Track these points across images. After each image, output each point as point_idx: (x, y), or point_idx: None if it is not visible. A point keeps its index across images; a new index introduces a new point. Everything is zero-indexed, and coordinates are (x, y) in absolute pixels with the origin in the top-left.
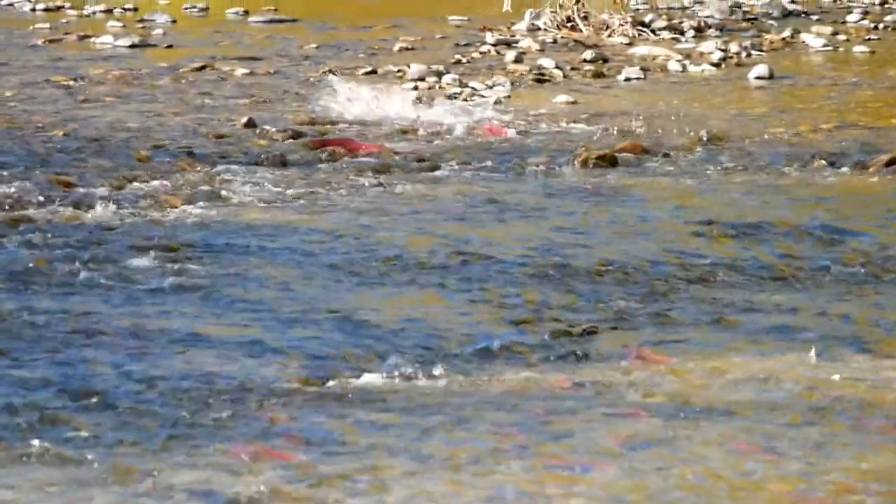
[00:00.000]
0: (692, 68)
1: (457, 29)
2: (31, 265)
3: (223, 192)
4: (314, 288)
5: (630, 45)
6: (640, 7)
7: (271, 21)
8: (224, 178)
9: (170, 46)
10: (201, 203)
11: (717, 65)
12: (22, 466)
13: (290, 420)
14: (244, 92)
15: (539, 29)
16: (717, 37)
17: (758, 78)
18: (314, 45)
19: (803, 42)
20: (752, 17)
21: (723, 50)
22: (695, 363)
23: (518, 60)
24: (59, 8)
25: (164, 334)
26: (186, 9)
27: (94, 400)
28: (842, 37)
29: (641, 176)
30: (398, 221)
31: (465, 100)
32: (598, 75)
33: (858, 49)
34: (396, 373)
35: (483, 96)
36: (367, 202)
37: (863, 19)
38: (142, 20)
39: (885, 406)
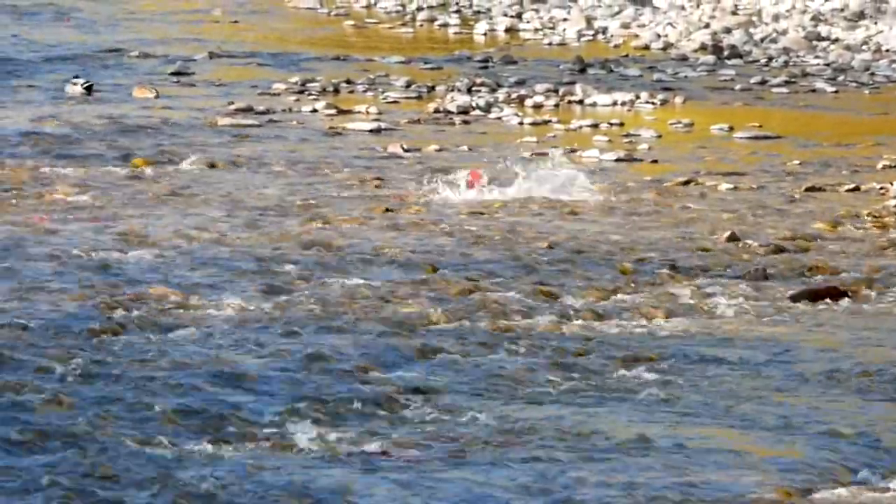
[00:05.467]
0: None
1: None
2: (513, 374)
3: (705, 305)
4: (792, 400)
5: None
6: None
7: (755, 137)
8: (706, 291)
9: (655, 161)
10: (683, 316)
11: None
12: None
13: None
14: (727, 206)
15: None
16: None
17: None
18: (797, 162)
19: None
20: None
21: None
22: None
23: None
24: (546, 122)
25: (646, 443)
26: (672, 124)
27: None
28: None
29: None
30: (881, 337)
31: None
32: None
33: None
34: (867, 486)
35: None
36: (847, 318)
37: None
38: (627, 135)
39: None
